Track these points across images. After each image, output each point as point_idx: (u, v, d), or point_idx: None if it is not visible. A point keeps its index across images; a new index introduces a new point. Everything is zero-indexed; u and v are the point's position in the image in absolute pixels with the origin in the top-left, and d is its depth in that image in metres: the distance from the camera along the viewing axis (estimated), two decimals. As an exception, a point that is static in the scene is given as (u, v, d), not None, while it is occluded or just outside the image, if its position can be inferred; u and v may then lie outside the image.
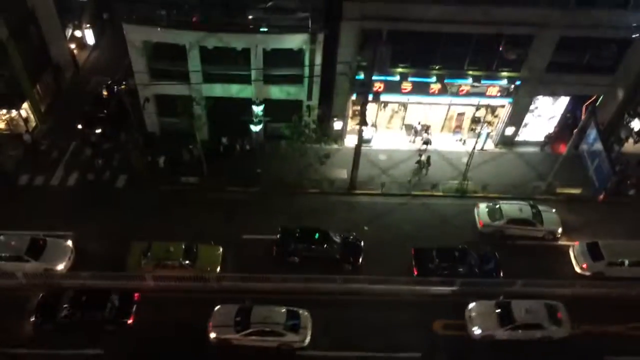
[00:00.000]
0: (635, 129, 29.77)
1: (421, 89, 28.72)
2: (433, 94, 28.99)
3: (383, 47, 24.45)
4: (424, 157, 29.92)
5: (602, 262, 25.60)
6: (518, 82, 28.43)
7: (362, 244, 26.04)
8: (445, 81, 28.25)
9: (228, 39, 26.52)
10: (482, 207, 27.84)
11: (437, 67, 27.94)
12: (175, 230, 25.98)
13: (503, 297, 23.96)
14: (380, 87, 28.25)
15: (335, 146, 30.31)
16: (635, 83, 28.36)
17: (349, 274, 24.72)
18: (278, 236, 25.71)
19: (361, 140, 27.13)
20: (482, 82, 28.28)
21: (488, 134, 31.20)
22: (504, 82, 28.40)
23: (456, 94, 29.00)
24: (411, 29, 25.91)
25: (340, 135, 31.09)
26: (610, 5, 25.50)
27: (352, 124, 30.95)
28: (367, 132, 30.20)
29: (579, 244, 26.62)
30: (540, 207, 27.60)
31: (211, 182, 28.85)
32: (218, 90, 28.89)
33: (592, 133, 28.60)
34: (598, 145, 28.07)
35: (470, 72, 28.06)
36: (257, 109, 28.89)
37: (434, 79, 28.20)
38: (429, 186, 29.32)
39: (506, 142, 31.68)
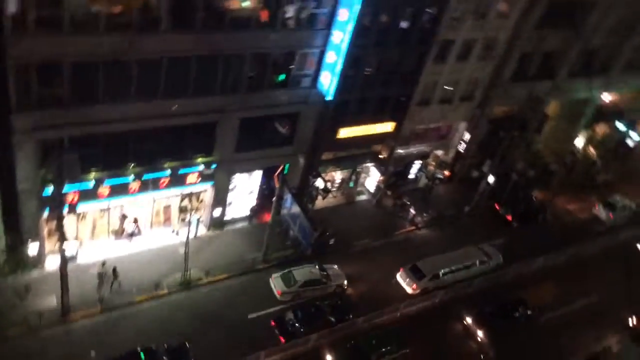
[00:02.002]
0: (320, 187, 34.09)
1: (120, 190, 27.53)
2: (134, 193, 28.10)
3: (69, 155, 22.72)
4: (106, 269, 27.40)
5: (425, 279, 31.20)
6: (214, 166, 29.72)
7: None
8: (144, 178, 27.76)
9: None
10: (276, 276, 29.77)
11: (132, 165, 27.28)
12: None
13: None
14: (74, 198, 26.05)
15: (35, 273, 26.53)
16: (310, 149, 32.57)
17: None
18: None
19: (65, 260, 24.34)
20: (180, 171, 28.72)
21: (198, 220, 31.58)
22: (201, 167, 29.35)
23: (157, 188, 28.71)
24: (96, 131, 24.85)
25: (38, 260, 27.39)
26: (273, 86, 29.00)
27: (51, 244, 27.66)
28: (70, 248, 27.34)
29: (402, 270, 31.88)
30: (325, 266, 30.50)
31: None
32: None
33: (288, 198, 31.53)
34: (295, 208, 31.05)
35: (167, 164, 28.21)
36: None
37: (131, 177, 27.41)
38: (153, 286, 27.97)
39: (216, 223, 32.50)
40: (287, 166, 32.61)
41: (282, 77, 29.01)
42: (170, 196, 30.30)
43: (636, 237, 39.43)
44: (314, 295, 29.53)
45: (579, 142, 45.26)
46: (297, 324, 27.52)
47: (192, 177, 29.39)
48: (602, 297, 34.30)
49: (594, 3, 35.67)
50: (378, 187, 36.69)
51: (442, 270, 31.76)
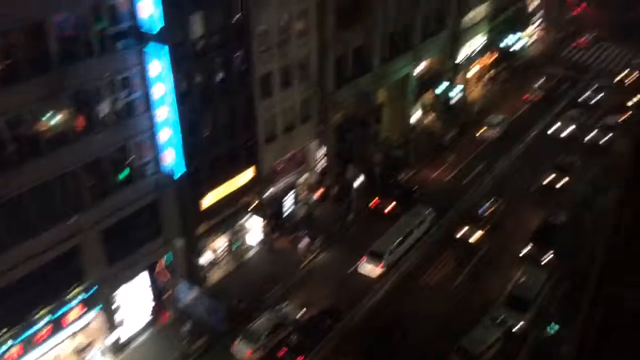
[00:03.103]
0: (209, 261, 32.84)
1: (-1, 364, 24.18)
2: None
3: None
4: None
5: (385, 255, 34.45)
6: (93, 290, 27.30)
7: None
8: (19, 339, 24.61)
9: None
10: (238, 342, 29.36)
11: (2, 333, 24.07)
12: None
13: None
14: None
15: None
16: (183, 229, 31.21)
17: None
18: None
19: None
20: (58, 313, 25.91)
21: (101, 352, 28.72)
22: (80, 298, 26.76)
23: (38, 343, 25.60)
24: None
25: None
26: (119, 187, 27.40)
27: None
28: None
29: (363, 260, 34.76)
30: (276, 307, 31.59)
31: None
32: None
33: (182, 286, 30.15)
34: (193, 293, 29.78)
35: (41, 313, 25.31)
36: None
37: (6, 345, 24.15)
38: None
39: (117, 348, 29.82)
40: (168, 256, 30.94)
41: (124, 173, 27.54)
42: (58, 344, 27.15)
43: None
44: (281, 338, 29.89)
45: (416, 115, 48.51)
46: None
47: (74, 314, 26.67)
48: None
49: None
50: (264, 235, 36.21)
51: (394, 244, 34.81)
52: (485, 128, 48.15)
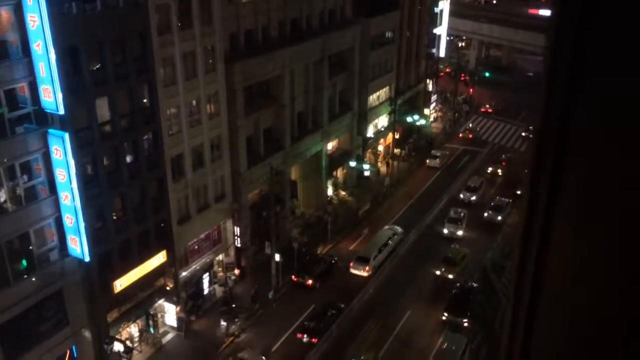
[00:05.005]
0: (121, 351, 31.15)
1: None
2: None
3: None
4: None
5: (370, 260, 40.61)
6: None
7: None
8: None
9: None
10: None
11: None
12: None
13: None
14: None
15: None
16: (91, 318, 29.71)
17: None
18: None
19: None
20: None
21: None
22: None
23: None
24: None
25: None
26: (19, 276, 26.01)
27: None
28: None
29: (352, 264, 40.66)
30: None
31: None
32: None
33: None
34: None
35: None
36: None
37: None
38: None
39: None
40: (74, 349, 29.12)
41: (25, 262, 26.28)
42: None
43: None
44: None
45: (330, 190, 50.03)
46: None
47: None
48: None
49: (279, 79, 40.59)
50: (180, 319, 34.99)
51: (375, 252, 41.14)
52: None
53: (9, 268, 25.50)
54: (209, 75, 34.61)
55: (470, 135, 65.54)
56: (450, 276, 39.82)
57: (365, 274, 40.39)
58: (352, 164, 51.32)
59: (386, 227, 45.43)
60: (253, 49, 37.97)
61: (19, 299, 25.82)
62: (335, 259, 42.42)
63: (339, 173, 51.24)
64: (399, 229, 45.15)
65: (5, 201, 24.92)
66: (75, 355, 28.68)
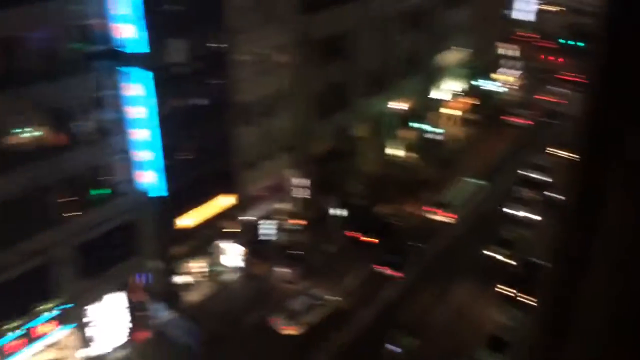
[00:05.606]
0: (183, 282, 32.86)
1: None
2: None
3: None
4: None
5: None
6: (68, 306, 27.32)
7: None
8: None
9: None
10: None
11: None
12: None
13: None
14: None
15: None
16: (160, 250, 31.48)
17: None
18: None
19: None
20: (28, 325, 25.89)
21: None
22: (50, 314, 26.75)
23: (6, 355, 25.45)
24: None
25: None
26: (92, 204, 27.96)
27: None
28: None
29: None
30: None
31: None
32: None
33: (156, 307, 29.99)
34: (169, 314, 29.52)
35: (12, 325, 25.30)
36: None
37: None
38: None
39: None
40: (143, 276, 31.07)
41: (100, 191, 28.11)
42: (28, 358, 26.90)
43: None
44: None
45: (394, 149, 49.67)
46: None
47: (45, 328, 26.55)
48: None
49: (352, 33, 40.37)
50: (243, 260, 36.40)
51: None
52: None
53: (87, 196, 27.33)
54: (283, 24, 34.97)
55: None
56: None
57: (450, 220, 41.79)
58: (420, 125, 50.61)
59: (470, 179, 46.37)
60: (329, 1, 37.96)
61: (94, 225, 27.75)
62: (394, 219, 42.39)
63: (406, 134, 50.69)
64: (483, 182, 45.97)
65: (84, 133, 26.54)
66: (143, 283, 30.55)
